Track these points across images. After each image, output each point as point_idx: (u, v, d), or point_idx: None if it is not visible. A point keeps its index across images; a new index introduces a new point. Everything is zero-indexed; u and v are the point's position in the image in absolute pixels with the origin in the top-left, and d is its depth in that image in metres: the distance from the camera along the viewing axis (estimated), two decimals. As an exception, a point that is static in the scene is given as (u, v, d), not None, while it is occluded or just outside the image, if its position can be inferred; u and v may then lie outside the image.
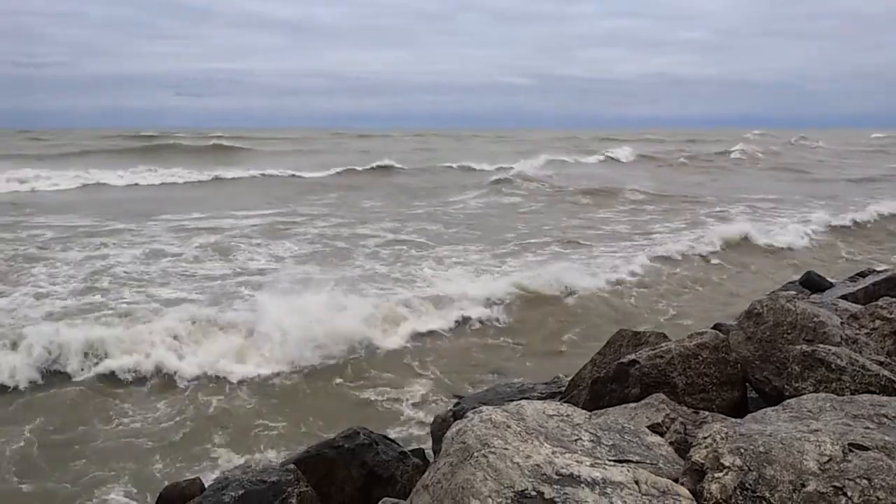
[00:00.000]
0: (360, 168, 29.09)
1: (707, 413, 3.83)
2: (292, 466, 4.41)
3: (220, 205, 19.97)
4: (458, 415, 4.90)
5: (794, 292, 6.33)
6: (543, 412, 2.82)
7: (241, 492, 4.04)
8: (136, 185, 25.84)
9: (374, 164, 28.33)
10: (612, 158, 39.47)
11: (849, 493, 2.16)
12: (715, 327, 6.05)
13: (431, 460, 4.87)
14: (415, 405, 7.60)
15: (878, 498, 2.12)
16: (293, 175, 28.08)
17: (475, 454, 2.37)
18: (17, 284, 11.09)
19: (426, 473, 2.63)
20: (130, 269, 12.17)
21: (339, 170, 28.15)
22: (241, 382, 8.04)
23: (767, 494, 2.24)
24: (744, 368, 4.48)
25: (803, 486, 2.22)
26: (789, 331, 4.36)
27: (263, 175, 27.62)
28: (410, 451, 5.36)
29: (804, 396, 2.91)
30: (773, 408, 2.85)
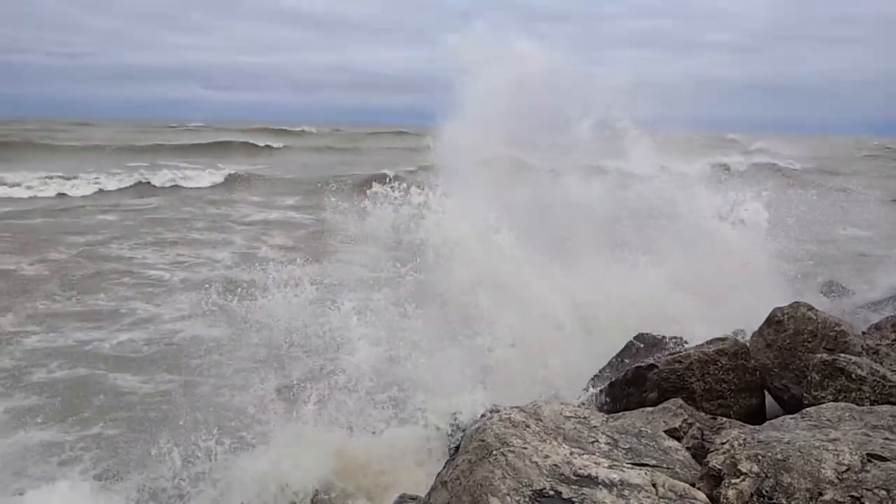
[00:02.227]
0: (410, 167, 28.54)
1: (725, 419, 3.84)
2: None
3: (270, 199, 19.68)
4: (474, 413, 4.92)
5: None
6: (560, 413, 2.84)
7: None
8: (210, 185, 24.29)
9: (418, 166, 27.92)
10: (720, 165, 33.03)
11: None
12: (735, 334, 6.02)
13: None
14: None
15: (895, 509, 2.12)
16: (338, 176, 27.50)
17: (494, 452, 2.40)
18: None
19: (444, 469, 2.66)
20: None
21: (386, 171, 27.61)
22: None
23: (784, 502, 2.24)
24: (763, 376, 4.48)
25: (820, 494, 2.22)
26: (810, 339, 4.35)
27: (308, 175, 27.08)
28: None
29: (823, 405, 2.90)
30: (791, 416, 2.85)
